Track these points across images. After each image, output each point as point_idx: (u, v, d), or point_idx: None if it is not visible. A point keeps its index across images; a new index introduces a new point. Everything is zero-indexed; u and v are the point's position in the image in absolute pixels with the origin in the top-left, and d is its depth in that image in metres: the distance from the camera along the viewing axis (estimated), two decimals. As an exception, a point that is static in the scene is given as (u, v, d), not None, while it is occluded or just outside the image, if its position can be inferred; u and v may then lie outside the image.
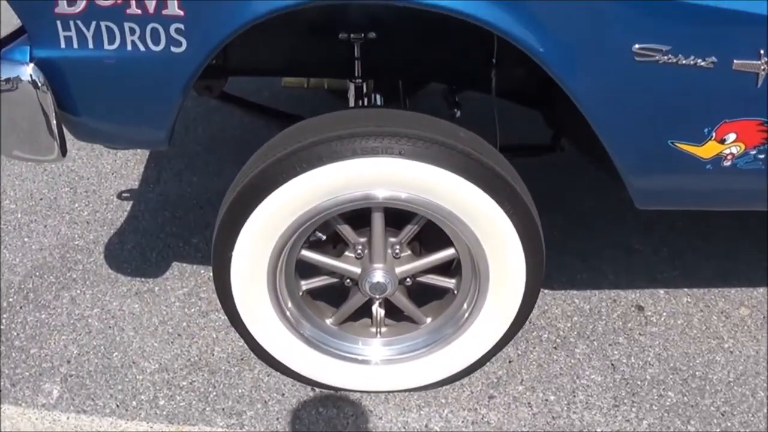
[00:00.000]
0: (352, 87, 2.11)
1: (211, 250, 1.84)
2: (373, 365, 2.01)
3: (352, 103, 2.13)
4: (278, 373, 2.08)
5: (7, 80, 1.59)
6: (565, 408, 2.05)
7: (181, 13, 1.52)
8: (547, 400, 2.07)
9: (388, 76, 2.22)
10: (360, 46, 2.00)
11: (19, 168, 2.84)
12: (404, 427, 1.98)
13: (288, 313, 1.95)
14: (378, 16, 1.75)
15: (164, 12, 1.52)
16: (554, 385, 2.11)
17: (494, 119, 2.02)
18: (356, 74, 2.06)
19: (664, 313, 2.34)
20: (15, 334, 2.21)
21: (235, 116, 2.95)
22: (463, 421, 2.01)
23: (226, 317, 1.99)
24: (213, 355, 2.15)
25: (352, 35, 1.95)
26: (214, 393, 2.06)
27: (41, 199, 2.71)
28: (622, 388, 2.12)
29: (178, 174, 2.77)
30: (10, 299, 2.32)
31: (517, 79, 2.15)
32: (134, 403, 2.03)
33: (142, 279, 2.36)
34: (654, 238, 2.58)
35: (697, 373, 2.16)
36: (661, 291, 2.41)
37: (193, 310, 2.27)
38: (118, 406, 2.02)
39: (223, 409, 2.02)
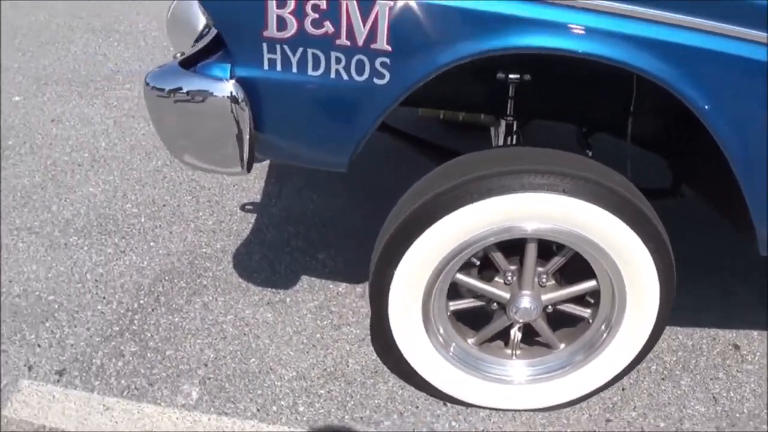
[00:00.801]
0: (503, 124, 2.06)
1: (371, 266, 1.80)
2: (510, 385, 1.95)
3: (501, 140, 2.08)
4: (412, 387, 2.03)
5: (203, 94, 1.55)
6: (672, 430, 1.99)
7: (389, 48, 1.47)
8: (657, 426, 2.02)
9: (536, 115, 2.16)
10: (514, 87, 1.95)
11: (138, 173, 2.78)
12: None
13: (437, 332, 1.89)
14: (535, 60, 1.70)
15: (373, 46, 1.48)
16: (663, 413, 2.07)
17: (627, 163, 1.96)
18: (509, 112, 2.02)
19: (758, 353, 2.30)
20: (149, 335, 2.16)
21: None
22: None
23: (357, 331, 1.98)
24: (348, 366, 2.09)
25: (509, 76, 1.89)
26: (352, 402, 2.00)
27: (164, 205, 2.66)
28: (723, 419, 2.07)
29: (299, 191, 2.73)
30: (141, 301, 2.26)
31: (651, 127, 2.09)
32: (274, 408, 1.97)
33: (273, 290, 2.30)
34: (750, 284, 2.52)
35: None
36: (755, 333, 2.36)
37: (325, 322, 2.21)
38: (258, 410, 1.97)
39: (361, 418, 1.97)
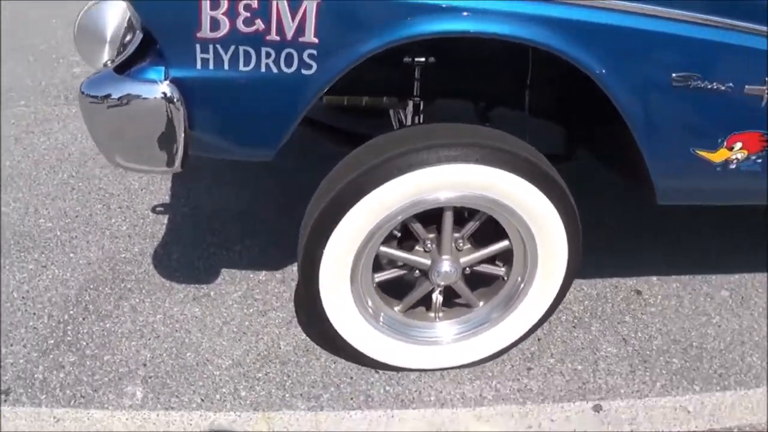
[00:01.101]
0: (410, 104, 2.26)
1: (300, 249, 1.95)
2: (438, 345, 2.16)
3: (408, 120, 2.28)
4: (345, 359, 2.20)
5: (140, 98, 1.66)
6: (592, 375, 2.26)
7: (316, 40, 1.64)
8: (575, 369, 2.28)
9: (440, 94, 2.38)
10: (420, 69, 2.17)
11: (46, 187, 2.83)
12: (462, 398, 2.14)
13: (366, 304, 2.08)
14: (438, 42, 1.91)
15: (301, 39, 1.64)
16: (579, 357, 2.32)
17: (526, 133, 2.21)
18: (415, 93, 2.22)
19: (659, 296, 2.59)
20: (84, 344, 2.24)
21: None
22: (509, 390, 2.18)
23: (283, 315, 2.19)
24: (280, 348, 2.25)
25: (415, 59, 2.10)
26: (290, 381, 2.16)
27: (77, 216, 2.72)
28: (634, 357, 2.35)
29: (207, 188, 2.84)
30: (71, 311, 2.34)
31: (547, 98, 2.36)
32: (218, 396, 2.11)
33: (196, 285, 2.42)
34: (645, 237, 2.84)
35: (693, 343, 2.42)
36: (654, 278, 2.67)
37: (251, 310, 2.36)
38: (202, 400, 2.09)
39: (301, 394, 2.12)
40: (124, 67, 1.71)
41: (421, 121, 2.28)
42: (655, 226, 2.89)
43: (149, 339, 2.26)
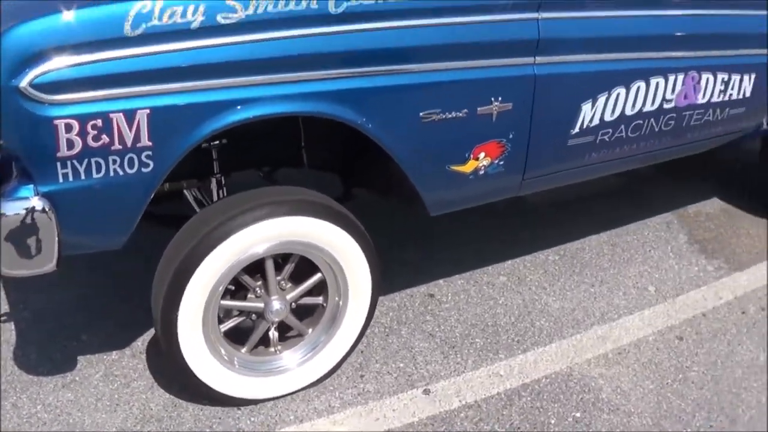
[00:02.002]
0: (213, 181, 2.86)
1: (157, 317, 2.45)
2: (287, 373, 2.75)
3: (214, 195, 2.82)
4: (210, 405, 2.72)
5: (18, 213, 2.13)
6: (414, 368, 2.95)
7: (150, 143, 2.19)
8: (399, 367, 2.96)
9: (235, 168, 3.04)
10: (216, 151, 2.77)
11: None
12: (315, 411, 2.71)
13: (220, 352, 2.68)
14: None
15: (138, 144, 2.18)
16: (399, 356, 2.99)
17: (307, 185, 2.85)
18: (216, 171, 2.81)
19: (450, 294, 3.34)
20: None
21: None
22: (351, 396, 2.75)
23: (144, 382, 2.71)
24: (152, 409, 2.72)
25: (212, 143, 2.66)
26: (169, 435, 2.71)
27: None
28: (444, 346, 3.05)
29: (41, 291, 3.27)
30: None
31: (322, 153, 3.06)
32: (112, 459, 2.61)
33: (61, 374, 2.78)
34: (424, 247, 3.63)
35: (489, 323, 3.19)
36: (441, 281, 3.42)
37: (116, 384, 2.81)
38: (96, 468, 2.59)
39: (181, 443, 2.68)
40: (-5, 190, 2.18)
41: (225, 193, 2.86)
42: (430, 236, 3.65)
43: (38, 427, 2.67)
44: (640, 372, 2.95)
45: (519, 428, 2.65)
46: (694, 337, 3.19)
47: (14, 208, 2.13)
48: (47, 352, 2.93)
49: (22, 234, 2.16)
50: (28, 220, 2.15)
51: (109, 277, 3.31)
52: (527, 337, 3.09)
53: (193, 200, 2.97)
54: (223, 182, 2.82)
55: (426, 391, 2.80)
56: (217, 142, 2.66)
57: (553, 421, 2.68)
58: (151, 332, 3.00)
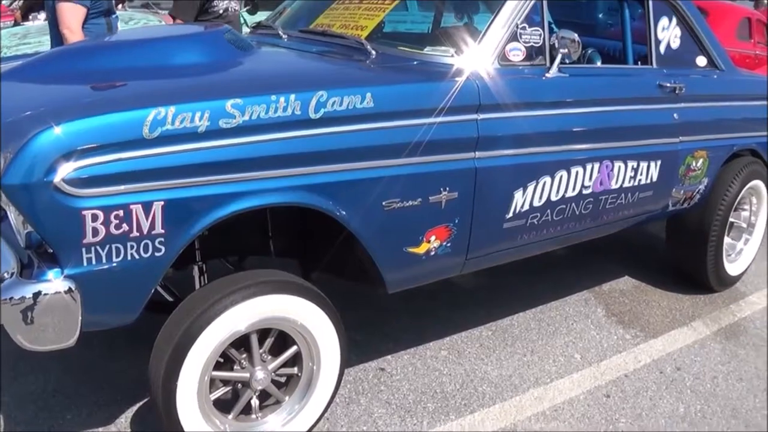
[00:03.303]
0: (196, 268, 3.28)
1: (158, 386, 2.81)
2: None
3: (197, 282, 3.24)
4: None
5: (47, 293, 2.50)
6: (374, 428, 3.41)
7: (163, 231, 2.61)
8: (362, 429, 3.43)
9: (212, 256, 3.51)
10: (198, 241, 3.17)
11: None
12: None
13: (213, 420, 3.08)
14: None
15: (153, 232, 2.61)
16: (361, 421, 3.38)
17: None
18: (198, 259, 3.26)
19: (398, 367, 3.82)
20: None
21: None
22: None
23: None
24: None
25: None
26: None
27: None
28: (400, 410, 3.52)
29: (12, 379, 3.65)
30: None
31: (287, 241, 3.58)
32: None
33: None
34: (367, 329, 4.12)
35: (437, 390, 3.65)
36: (389, 356, 3.93)
37: None
38: None
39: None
40: (24, 273, 2.56)
41: (206, 280, 3.30)
42: (373, 318, 4.14)
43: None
44: (575, 425, 3.47)
45: (477, 477, 3.12)
46: (619, 395, 3.74)
47: (44, 290, 2.52)
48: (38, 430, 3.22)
49: (50, 313, 2.54)
50: (56, 301, 2.53)
51: (72, 362, 3.69)
52: (473, 401, 3.59)
53: (163, 289, 3.34)
54: (204, 269, 3.23)
55: (393, 451, 3.25)
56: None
57: (505, 470, 3.17)
58: (132, 410, 3.37)
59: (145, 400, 3.43)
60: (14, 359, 3.65)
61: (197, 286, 3.21)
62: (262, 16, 5.72)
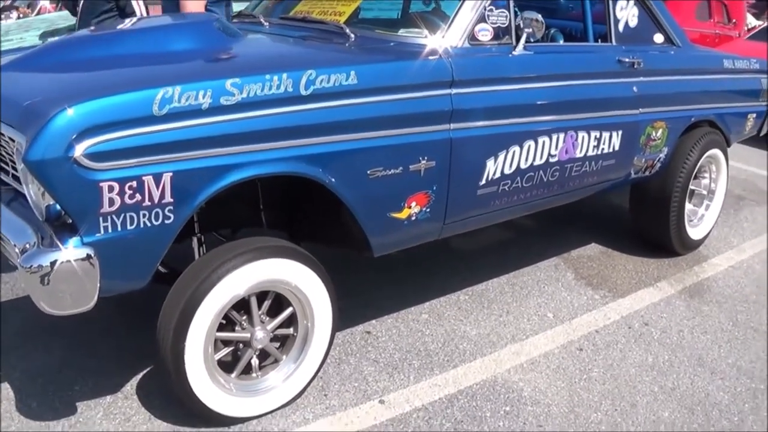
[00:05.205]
0: (195, 239, 3.58)
1: (166, 346, 3.11)
2: (275, 390, 3.54)
3: (196, 252, 3.58)
4: (205, 427, 3.36)
5: (68, 260, 2.78)
6: (365, 385, 3.76)
7: (172, 200, 2.91)
8: (354, 386, 3.74)
9: (210, 229, 3.85)
10: (197, 214, 3.45)
11: None
12: (294, 423, 3.43)
13: (218, 379, 3.36)
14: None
15: (163, 201, 2.90)
16: (353, 379, 3.73)
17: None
18: (196, 231, 3.57)
19: (383, 330, 4.18)
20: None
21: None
22: (320, 410, 3.49)
23: (141, 416, 3.38)
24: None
25: None
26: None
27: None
28: (388, 367, 3.84)
29: (23, 356, 3.91)
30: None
31: (277, 214, 3.89)
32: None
33: (66, 418, 3.37)
34: (351, 297, 4.39)
35: (420, 349, 3.99)
36: (374, 321, 4.28)
37: (117, 420, 3.34)
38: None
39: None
40: (45, 244, 2.83)
41: (205, 250, 3.62)
42: (356, 286, 4.49)
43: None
44: (552, 375, 3.86)
45: (461, 422, 3.49)
46: (591, 348, 4.14)
47: (65, 257, 2.80)
48: (47, 403, 3.51)
49: (71, 278, 2.82)
50: (77, 267, 2.81)
51: (73, 339, 4.01)
52: (455, 357, 3.95)
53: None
54: (203, 240, 3.57)
55: (381, 401, 3.60)
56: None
57: (488, 415, 3.54)
58: (136, 379, 3.69)
59: (148, 369, 3.76)
60: (20, 339, 3.99)
61: (197, 256, 3.52)
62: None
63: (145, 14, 5.01)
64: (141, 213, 2.90)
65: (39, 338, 3.95)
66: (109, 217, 2.84)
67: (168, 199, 2.93)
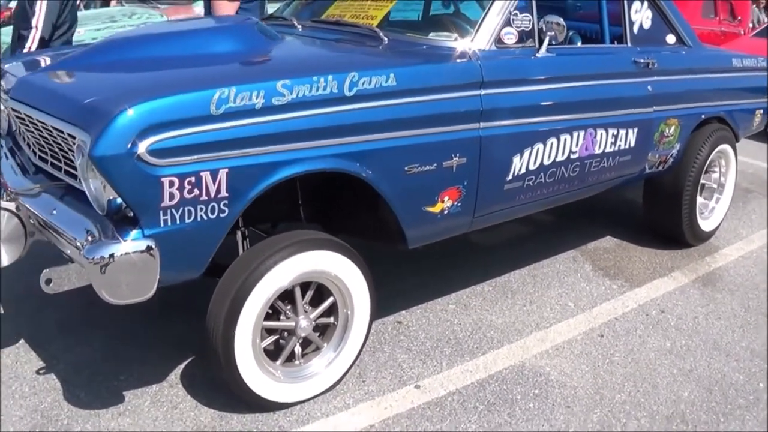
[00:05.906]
0: (239, 233, 3.75)
1: (217, 335, 3.26)
2: (318, 376, 3.67)
3: (240, 246, 3.71)
4: (250, 412, 3.52)
5: (131, 251, 2.92)
6: (400, 371, 3.95)
7: (227, 195, 3.08)
8: (390, 372, 3.93)
9: (253, 224, 3.98)
10: None
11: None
12: (335, 407, 3.60)
13: (266, 366, 3.49)
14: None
15: (219, 196, 3.07)
16: (388, 366, 3.92)
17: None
18: (240, 225, 3.71)
19: (413, 320, 4.37)
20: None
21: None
22: (360, 395, 3.67)
23: (188, 404, 3.55)
24: (203, 422, 3.44)
25: None
26: (223, 433, 3.63)
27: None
28: (421, 355, 4.04)
29: (67, 348, 4.07)
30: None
31: (313, 210, 4.06)
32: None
33: (114, 406, 3.52)
34: (381, 288, 4.66)
35: (450, 337, 4.20)
36: (404, 311, 4.49)
37: (165, 408, 3.50)
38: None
39: (236, 438, 3.61)
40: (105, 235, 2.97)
41: (249, 244, 3.78)
42: (385, 279, 4.61)
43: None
44: (576, 360, 4.07)
45: (494, 404, 3.69)
46: (612, 335, 4.36)
47: (127, 249, 2.96)
48: (94, 392, 3.66)
49: (133, 269, 2.97)
50: (138, 258, 2.96)
51: (113, 332, 4.18)
52: (483, 344, 4.16)
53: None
54: (247, 234, 3.75)
55: (417, 386, 3.79)
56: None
57: (518, 397, 3.74)
58: (180, 368, 3.87)
59: (191, 358, 3.95)
60: (59, 332, 4.18)
61: (240, 249, 3.69)
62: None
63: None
64: (198, 207, 3.06)
65: (78, 331, 4.14)
66: (168, 211, 2.99)
67: (223, 194, 3.10)
